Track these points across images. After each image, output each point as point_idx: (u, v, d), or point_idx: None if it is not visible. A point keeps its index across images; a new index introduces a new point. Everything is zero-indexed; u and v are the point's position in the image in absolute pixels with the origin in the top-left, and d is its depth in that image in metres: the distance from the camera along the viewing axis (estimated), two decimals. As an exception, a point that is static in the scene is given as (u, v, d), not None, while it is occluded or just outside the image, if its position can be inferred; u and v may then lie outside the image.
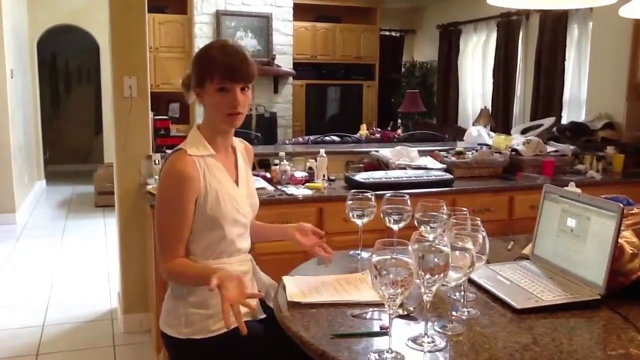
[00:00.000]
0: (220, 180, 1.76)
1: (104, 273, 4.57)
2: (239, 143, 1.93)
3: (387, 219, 1.86)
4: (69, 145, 9.71)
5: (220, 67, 1.69)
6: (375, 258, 1.22)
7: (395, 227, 1.86)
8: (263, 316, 1.82)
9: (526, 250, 1.98)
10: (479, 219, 1.54)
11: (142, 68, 3.36)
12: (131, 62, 3.33)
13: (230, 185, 1.79)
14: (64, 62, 9.84)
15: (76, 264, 4.88)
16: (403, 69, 9.43)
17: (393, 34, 9.51)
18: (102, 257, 5.00)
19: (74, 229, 6.03)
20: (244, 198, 1.83)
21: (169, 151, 3.59)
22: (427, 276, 1.26)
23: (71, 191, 7.95)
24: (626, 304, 1.55)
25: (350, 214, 1.93)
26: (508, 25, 7.09)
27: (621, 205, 1.56)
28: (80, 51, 9.33)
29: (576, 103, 6.23)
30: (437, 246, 1.28)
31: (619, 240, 1.59)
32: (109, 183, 6.40)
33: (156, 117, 3.53)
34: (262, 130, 7.04)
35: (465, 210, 1.66)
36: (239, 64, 1.70)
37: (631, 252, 1.61)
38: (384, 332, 1.39)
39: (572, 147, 4.00)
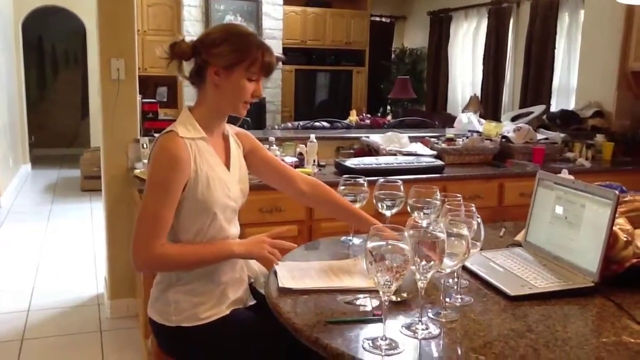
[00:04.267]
0: (211, 164, 1.71)
1: (91, 258, 4.53)
2: (230, 129, 1.87)
3: (379, 204, 1.84)
4: (54, 129, 9.59)
5: (263, 61, 1.69)
6: (370, 244, 1.20)
7: (387, 213, 1.85)
8: (253, 302, 1.80)
9: (518, 237, 1.97)
10: (473, 205, 1.52)
11: (130, 50, 3.29)
12: (119, 43, 3.26)
13: (221, 170, 1.74)
14: (50, 45, 9.69)
15: (62, 248, 4.83)
16: (393, 56, 9.39)
17: (383, 19, 9.46)
18: (89, 242, 4.95)
19: (60, 213, 5.96)
20: (235, 183, 1.78)
21: (157, 135, 3.54)
22: (423, 263, 1.24)
23: (57, 175, 7.86)
24: (619, 291, 1.55)
25: (343, 200, 1.91)
26: (499, 13, 7.07)
27: (616, 192, 1.55)
28: (67, 33, 9.19)
29: (565, 91, 6.23)
30: (433, 232, 1.26)
31: (613, 227, 1.58)
32: (96, 167, 6.33)
33: (144, 100, 3.48)
34: (251, 115, 6.96)
35: (459, 197, 1.64)
36: (275, 60, 1.73)
37: (625, 239, 1.60)
38: (377, 318, 1.37)
39: (562, 135, 4.01)
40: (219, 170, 1.73)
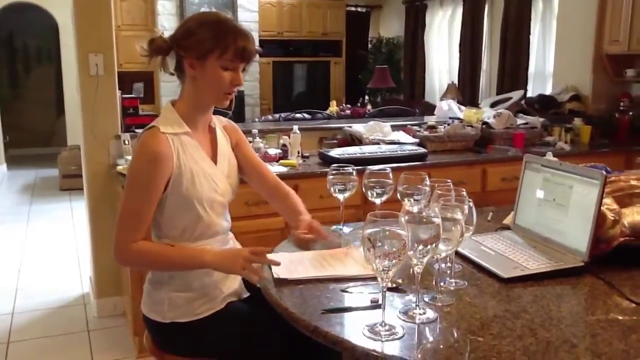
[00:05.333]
0: (196, 159, 1.68)
1: (74, 257, 4.47)
2: (217, 121, 1.85)
3: (369, 192, 1.85)
4: (30, 128, 9.41)
5: (236, 46, 1.62)
6: (368, 230, 1.21)
7: (377, 201, 1.85)
8: (247, 294, 1.79)
9: (507, 221, 1.99)
10: (464, 190, 1.54)
11: (109, 44, 3.25)
12: (97, 38, 3.21)
13: (207, 164, 1.72)
14: (21, 42, 9.50)
15: (44, 249, 4.76)
16: (370, 45, 9.39)
17: (359, 9, 9.45)
18: (71, 242, 4.89)
19: (40, 213, 5.87)
20: (222, 177, 1.75)
21: (138, 131, 3.49)
22: (420, 247, 1.25)
23: (34, 175, 7.73)
24: (609, 269, 1.58)
25: (332, 189, 1.91)
26: (474, 0, 7.10)
27: (604, 172, 1.57)
28: (39, 29, 9.01)
29: (541, 76, 6.30)
30: (428, 217, 1.27)
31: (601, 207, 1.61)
32: (74, 166, 6.25)
33: (124, 96, 3.43)
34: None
35: (449, 182, 1.65)
36: (252, 45, 1.66)
37: (612, 218, 1.63)
38: (374, 305, 1.38)
39: (541, 120, 4.05)
40: (204, 164, 1.71)
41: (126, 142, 3.23)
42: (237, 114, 7.39)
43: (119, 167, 3.10)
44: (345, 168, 1.93)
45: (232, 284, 1.76)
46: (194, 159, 1.68)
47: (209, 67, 1.63)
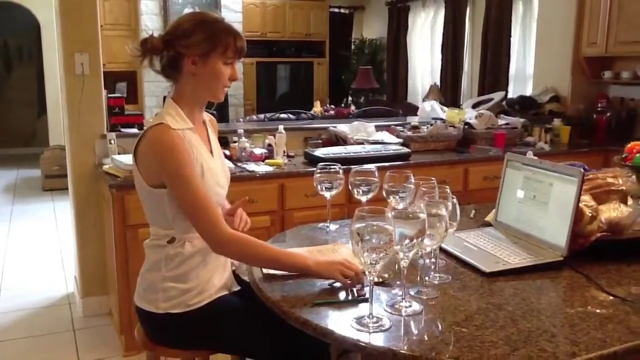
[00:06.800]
0: (202, 154, 1.73)
1: (58, 257, 4.46)
2: (205, 115, 1.90)
3: (355, 190, 1.89)
4: (10, 128, 9.32)
5: (234, 43, 1.70)
6: (356, 225, 1.25)
7: (363, 199, 1.89)
8: (237, 288, 1.83)
9: (489, 218, 2.05)
10: (448, 187, 1.59)
11: (94, 44, 3.25)
12: (82, 37, 3.22)
13: (209, 158, 1.76)
14: (2, 41, 9.40)
15: (27, 249, 4.74)
16: (353, 46, 9.45)
17: (342, 10, 9.50)
18: (55, 242, 4.87)
19: (22, 214, 5.83)
20: (220, 170, 1.81)
21: (124, 130, 3.48)
22: (406, 242, 1.29)
23: (16, 175, 7.65)
24: (587, 264, 1.64)
25: (319, 187, 1.95)
26: (455, 2, 7.19)
27: (582, 170, 1.63)
28: (20, 29, 8.92)
29: (522, 78, 6.40)
30: (414, 213, 1.31)
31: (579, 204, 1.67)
32: (57, 166, 6.22)
33: (110, 95, 3.43)
34: (213, 109, 6.95)
35: (433, 180, 1.70)
36: (245, 44, 1.74)
37: (590, 214, 1.69)
38: (362, 298, 1.43)
39: (521, 120, 4.13)
40: (207, 159, 1.75)
41: (112, 141, 3.23)
42: (221, 114, 7.40)
43: (106, 167, 3.10)
44: (332, 166, 1.97)
45: (223, 277, 1.79)
46: (200, 154, 1.72)
47: (212, 63, 1.70)
